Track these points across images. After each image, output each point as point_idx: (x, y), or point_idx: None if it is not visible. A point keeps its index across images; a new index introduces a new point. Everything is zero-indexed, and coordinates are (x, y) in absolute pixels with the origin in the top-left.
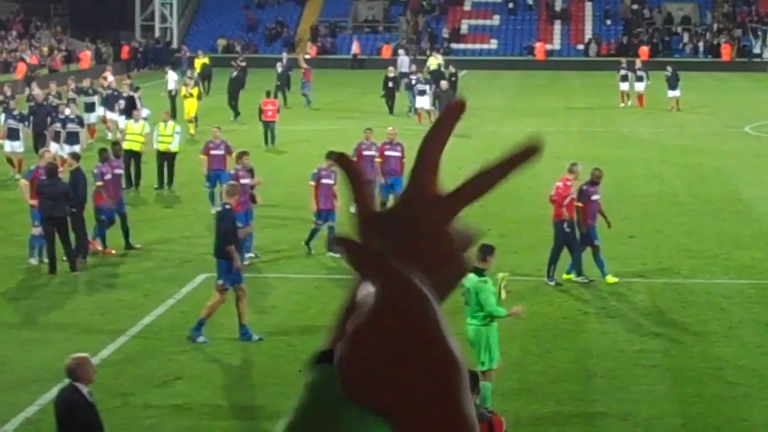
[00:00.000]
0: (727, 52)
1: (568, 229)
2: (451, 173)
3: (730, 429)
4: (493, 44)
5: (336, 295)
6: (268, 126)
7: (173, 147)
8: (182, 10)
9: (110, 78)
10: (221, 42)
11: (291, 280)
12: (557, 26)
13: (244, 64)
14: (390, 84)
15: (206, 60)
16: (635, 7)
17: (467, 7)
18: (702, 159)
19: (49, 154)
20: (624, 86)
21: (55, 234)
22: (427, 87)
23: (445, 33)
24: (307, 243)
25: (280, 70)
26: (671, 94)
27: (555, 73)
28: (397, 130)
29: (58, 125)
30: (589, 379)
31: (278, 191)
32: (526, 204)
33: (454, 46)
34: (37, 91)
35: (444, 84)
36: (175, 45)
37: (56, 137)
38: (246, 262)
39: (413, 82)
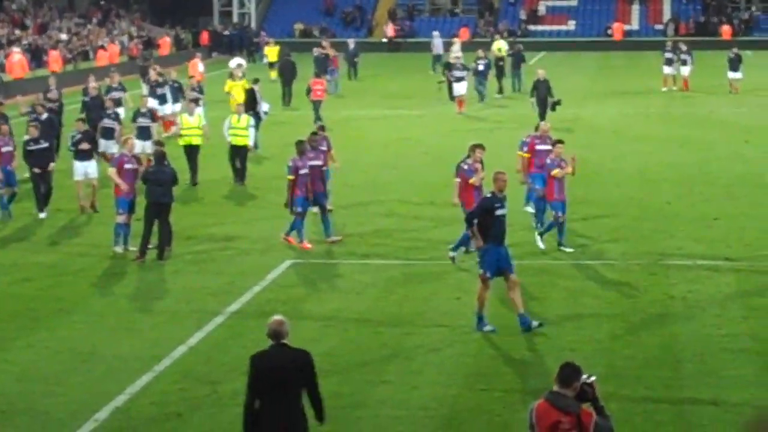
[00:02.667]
0: None
1: None
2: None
3: None
4: (571, 25)
5: (422, 281)
6: (316, 105)
7: (251, 142)
8: None
9: (200, 67)
10: (298, 26)
11: (377, 266)
12: (635, 6)
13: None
14: (479, 68)
15: (276, 48)
16: None
17: None
18: None
19: (131, 140)
20: (668, 70)
21: (153, 220)
22: (464, 73)
23: (523, 15)
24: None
25: (348, 50)
26: (732, 75)
27: (633, 54)
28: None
29: (107, 121)
30: (677, 365)
31: (357, 176)
32: (610, 186)
33: (531, 27)
34: (92, 84)
35: (541, 73)
36: (253, 30)
37: (105, 134)
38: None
39: (455, 67)
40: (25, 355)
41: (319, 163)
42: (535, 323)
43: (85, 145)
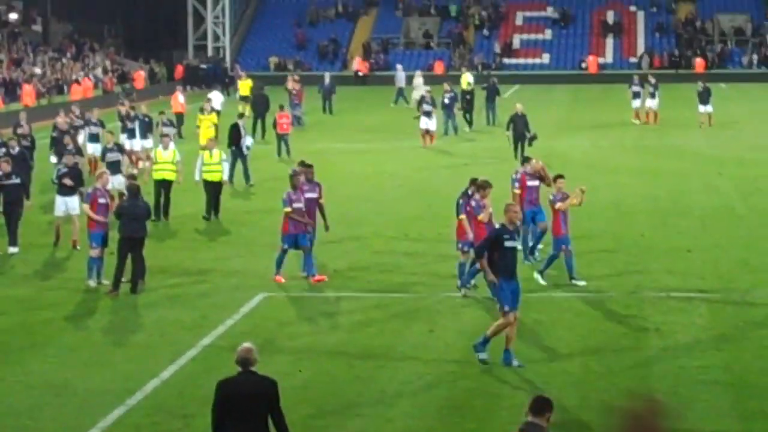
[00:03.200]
0: None
1: None
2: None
3: None
4: (546, 58)
5: (395, 314)
6: (282, 138)
7: (225, 176)
8: (234, 29)
9: (181, 99)
10: (273, 60)
11: (351, 299)
12: (609, 40)
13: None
14: (445, 101)
15: (248, 82)
16: (688, 18)
17: (519, 22)
18: (759, 171)
19: (106, 175)
20: (636, 103)
21: (127, 254)
22: (432, 108)
23: (497, 48)
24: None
25: (324, 84)
26: (702, 109)
27: (608, 87)
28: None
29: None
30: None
31: (332, 209)
32: (584, 219)
33: (506, 60)
34: (61, 118)
35: (518, 107)
36: (227, 64)
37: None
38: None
39: (424, 100)
40: None
41: (314, 195)
42: (515, 362)
43: (68, 181)
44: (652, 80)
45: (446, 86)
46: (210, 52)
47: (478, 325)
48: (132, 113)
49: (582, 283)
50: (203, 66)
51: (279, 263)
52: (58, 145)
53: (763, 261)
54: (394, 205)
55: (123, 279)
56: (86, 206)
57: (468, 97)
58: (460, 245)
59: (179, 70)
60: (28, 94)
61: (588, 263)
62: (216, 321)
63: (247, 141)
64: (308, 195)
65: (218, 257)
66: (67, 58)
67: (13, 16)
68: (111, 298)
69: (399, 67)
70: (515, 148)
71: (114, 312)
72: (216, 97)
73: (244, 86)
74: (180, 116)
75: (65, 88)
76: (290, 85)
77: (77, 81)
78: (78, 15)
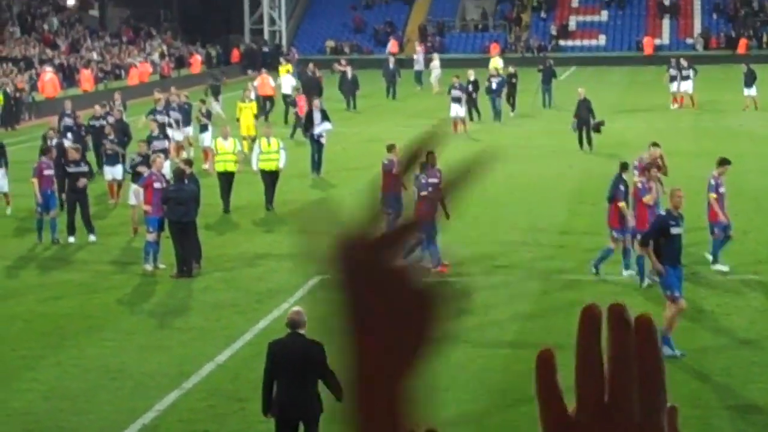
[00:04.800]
0: None
1: None
2: (562, 171)
3: None
4: (602, 40)
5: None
6: (299, 120)
7: (281, 164)
8: (290, 13)
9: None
10: (329, 44)
11: None
12: (666, 21)
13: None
14: (469, 88)
15: (288, 66)
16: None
17: (575, 4)
18: None
19: (160, 159)
20: (674, 87)
21: (179, 238)
22: (461, 93)
23: (553, 30)
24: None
25: (388, 68)
26: (747, 92)
27: (663, 69)
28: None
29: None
30: (705, 377)
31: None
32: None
33: (562, 42)
34: (118, 105)
35: (581, 91)
36: (284, 47)
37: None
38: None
39: (452, 86)
40: (53, 372)
41: (436, 181)
42: (677, 352)
43: (142, 169)
44: (685, 63)
45: (492, 71)
46: (266, 36)
47: (531, 307)
48: (175, 101)
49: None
50: (265, 49)
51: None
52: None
53: None
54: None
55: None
56: (137, 188)
57: (496, 83)
58: (615, 233)
59: (235, 53)
60: (86, 79)
61: None
62: (271, 305)
63: (325, 126)
64: (431, 180)
65: (274, 242)
66: (123, 42)
67: (71, 2)
68: (168, 282)
69: (419, 49)
70: (579, 135)
71: (170, 296)
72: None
73: (284, 70)
74: (270, 99)
75: (122, 73)
76: (340, 68)
77: (134, 65)
78: (134, 0)
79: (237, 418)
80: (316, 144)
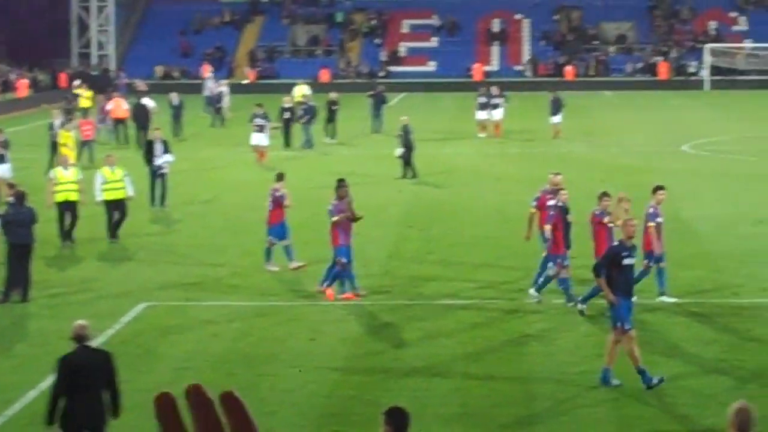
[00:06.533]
0: (663, 71)
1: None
2: (391, 196)
3: None
4: (432, 66)
5: (276, 322)
6: (86, 145)
7: (130, 192)
8: (119, 38)
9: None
10: (159, 68)
11: (231, 307)
12: (495, 47)
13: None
14: (285, 114)
15: (89, 94)
16: (572, 27)
17: (405, 30)
18: (641, 178)
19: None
20: (482, 115)
21: (17, 262)
22: (264, 122)
23: (384, 56)
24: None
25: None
26: (553, 120)
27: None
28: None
29: None
30: (531, 403)
31: (216, 218)
32: (468, 226)
33: (393, 68)
34: None
35: (404, 119)
36: (112, 73)
37: None
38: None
39: (255, 115)
40: None
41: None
42: (655, 379)
43: None
44: (495, 91)
45: (289, 98)
46: (94, 60)
47: (359, 333)
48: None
49: (671, 300)
50: (94, 73)
51: (335, 277)
52: None
53: None
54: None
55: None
56: None
57: (301, 110)
58: (559, 260)
59: (62, 78)
60: None
61: (472, 269)
62: (97, 331)
63: (165, 158)
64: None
65: (100, 267)
66: None
67: None
68: None
69: (209, 75)
70: (404, 162)
71: None
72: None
73: (86, 97)
74: (123, 121)
75: None
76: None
77: None
78: None
79: None
80: (159, 176)
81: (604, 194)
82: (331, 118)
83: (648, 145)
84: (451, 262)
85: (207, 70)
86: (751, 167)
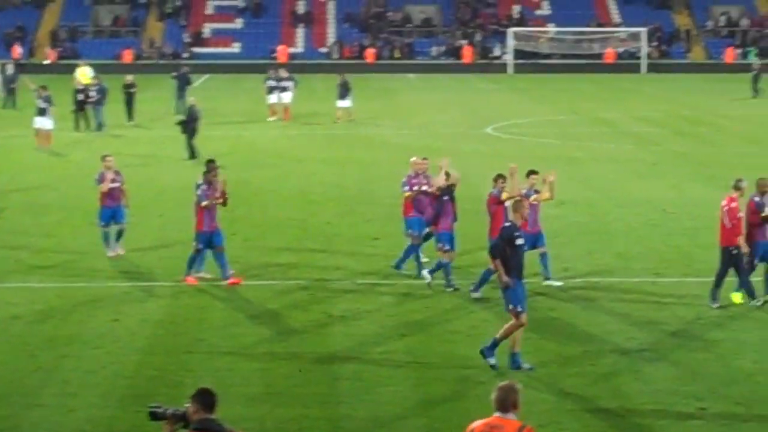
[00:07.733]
0: (468, 54)
1: (735, 252)
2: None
3: None
4: (236, 48)
5: (78, 303)
6: None
7: None
8: None
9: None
10: None
11: (33, 289)
12: (300, 29)
13: None
14: (79, 96)
15: None
16: (377, 9)
17: (209, 11)
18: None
19: None
20: (272, 98)
21: None
22: (47, 105)
23: (187, 37)
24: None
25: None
26: (340, 104)
27: (299, 77)
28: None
29: None
30: (335, 382)
31: (18, 196)
32: (271, 207)
33: (196, 50)
34: None
35: (191, 100)
36: None
37: None
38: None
39: (39, 97)
40: None
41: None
42: (526, 365)
43: None
44: (284, 74)
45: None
46: None
47: (162, 314)
48: None
49: (557, 283)
50: None
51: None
52: None
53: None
54: (80, 193)
55: None
56: None
57: (86, 94)
58: (440, 245)
59: None
60: None
61: (275, 251)
62: None
63: None
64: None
65: None
66: None
67: None
68: None
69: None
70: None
71: None
72: None
73: None
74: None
75: None
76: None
77: None
78: None
79: None
80: None
81: (500, 176)
82: (129, 100)
83: (452, 127)
84: (255, 244)
85: (16, 52)
86: (552, 150)
